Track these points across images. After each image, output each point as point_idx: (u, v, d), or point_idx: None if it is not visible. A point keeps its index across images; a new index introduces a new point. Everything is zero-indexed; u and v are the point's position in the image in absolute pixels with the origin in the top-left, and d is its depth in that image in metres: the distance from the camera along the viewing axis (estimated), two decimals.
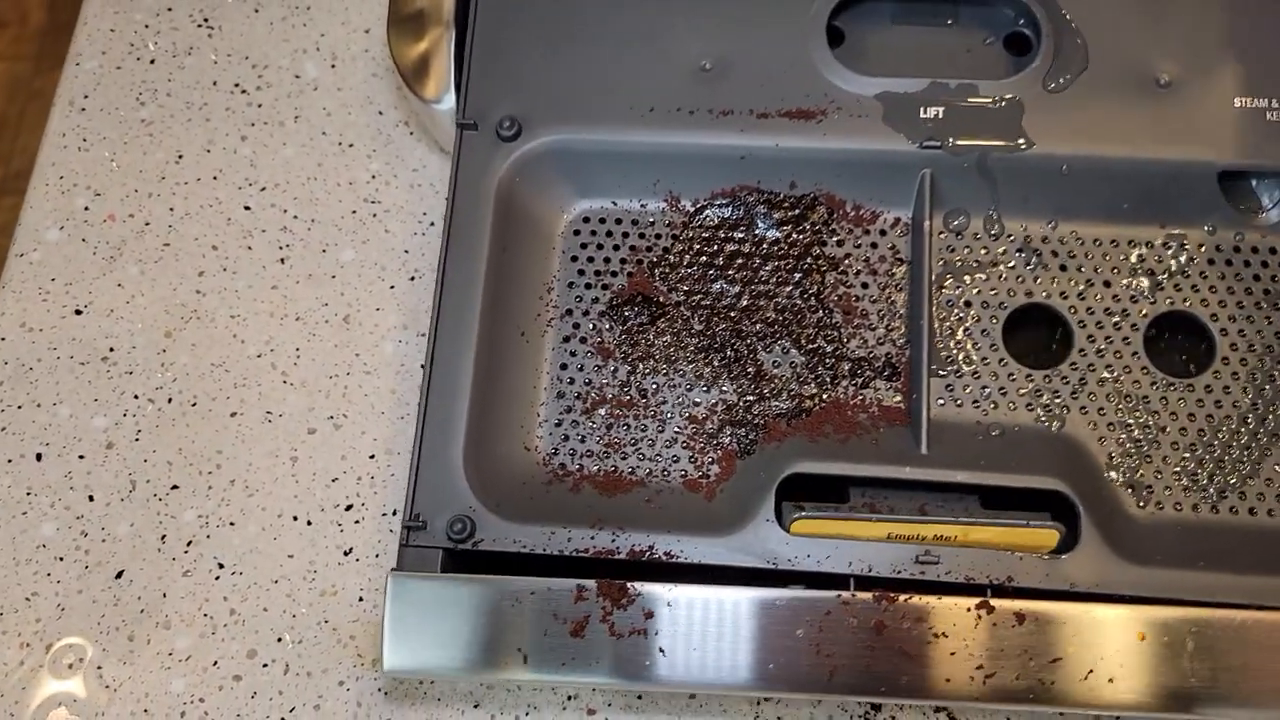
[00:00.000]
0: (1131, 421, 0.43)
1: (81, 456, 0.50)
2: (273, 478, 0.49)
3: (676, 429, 0.44)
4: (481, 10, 0.49)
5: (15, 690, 0.46)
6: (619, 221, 0.47)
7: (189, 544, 0.48)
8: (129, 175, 0.56)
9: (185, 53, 0.59)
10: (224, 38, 0.60)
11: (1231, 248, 0.45)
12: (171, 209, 0.55)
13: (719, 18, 0.48)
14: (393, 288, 0.53)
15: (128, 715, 0.45)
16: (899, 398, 0.44)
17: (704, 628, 0.39)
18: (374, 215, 0.55)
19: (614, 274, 0.46)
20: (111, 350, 0.52)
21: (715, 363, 0.45)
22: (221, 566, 0.48)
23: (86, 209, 0.56)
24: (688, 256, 0.46)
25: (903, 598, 0.39)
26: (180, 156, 0.57)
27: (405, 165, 0.56)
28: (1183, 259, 0.45)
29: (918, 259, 0.45)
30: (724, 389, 0.44)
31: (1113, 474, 0.42)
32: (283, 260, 0.54)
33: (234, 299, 0.53)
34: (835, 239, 0.46)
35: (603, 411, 0.44)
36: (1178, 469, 0.42)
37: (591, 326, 0.46)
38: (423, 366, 0.44)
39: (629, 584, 0.40)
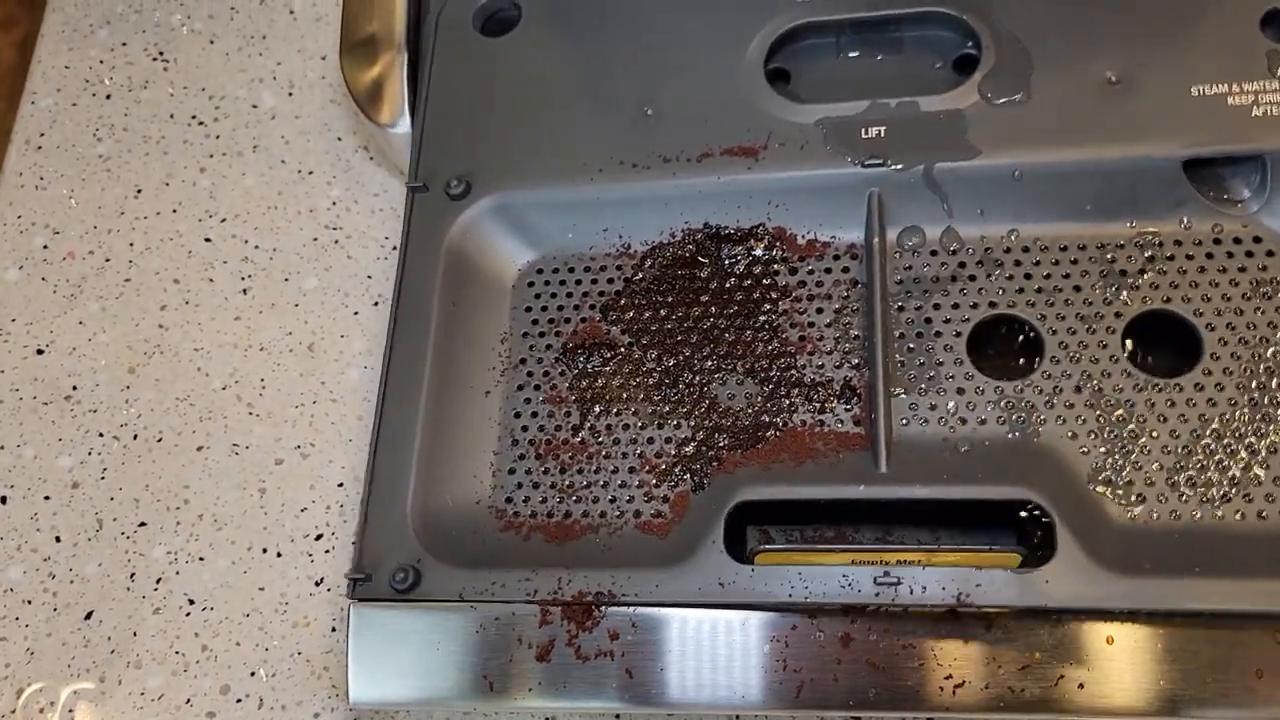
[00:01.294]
0: (1113, 426, 0.41)
1: (47, 497, 0.50)
2: (241, 510, 0.49)
3: (630, 469, 0.43)
4: (436, 78, 0.50)
5: None
6: (571, 269, 0.47)
7: (159, 581, 0.48)
8: (88, 212, 0.56)
9: (141, 86, 0.59)
10: (180, 70, 0.59)
11: (1211, 240, 0.43)
12: (131, 244, 0.55)
13: (659, 64, 0.48)
14: (356, 314, 0.53)
15: None
16: (858, 422, 0.43)
17: (671, 647, 0.39)
18: (336, 242, 0.55)
19: (567, 320, 0.46)
20: (75, 389, 0.52)
21: (670, 399, 0.44)
22: (192, 602, 0.47)
23: (45, 247, 0.55)
24: (638, 298, 0.46)
25: (869, 609, 0.39)
26: (139, 191, 0.56)
27: (366, 190, 0.56)
28: (1157, 256, 0.43)
29: (870, 280, 0.44)
30: (678, 425, 0.44)
31: (1094, 483, 0.41)
32: (245, 290, 0.54)
33: (197, 332, 0.53)
34: (788, 267, 0.45)
35: (555, 457, 0.44)
36: (1166, 472, 0.41)
37: (544, 374, 0.45)
38: (372, 421, 0.44)
39: (594, 606, 0.40)
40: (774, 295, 0.45)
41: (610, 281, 0.46)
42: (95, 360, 0.53)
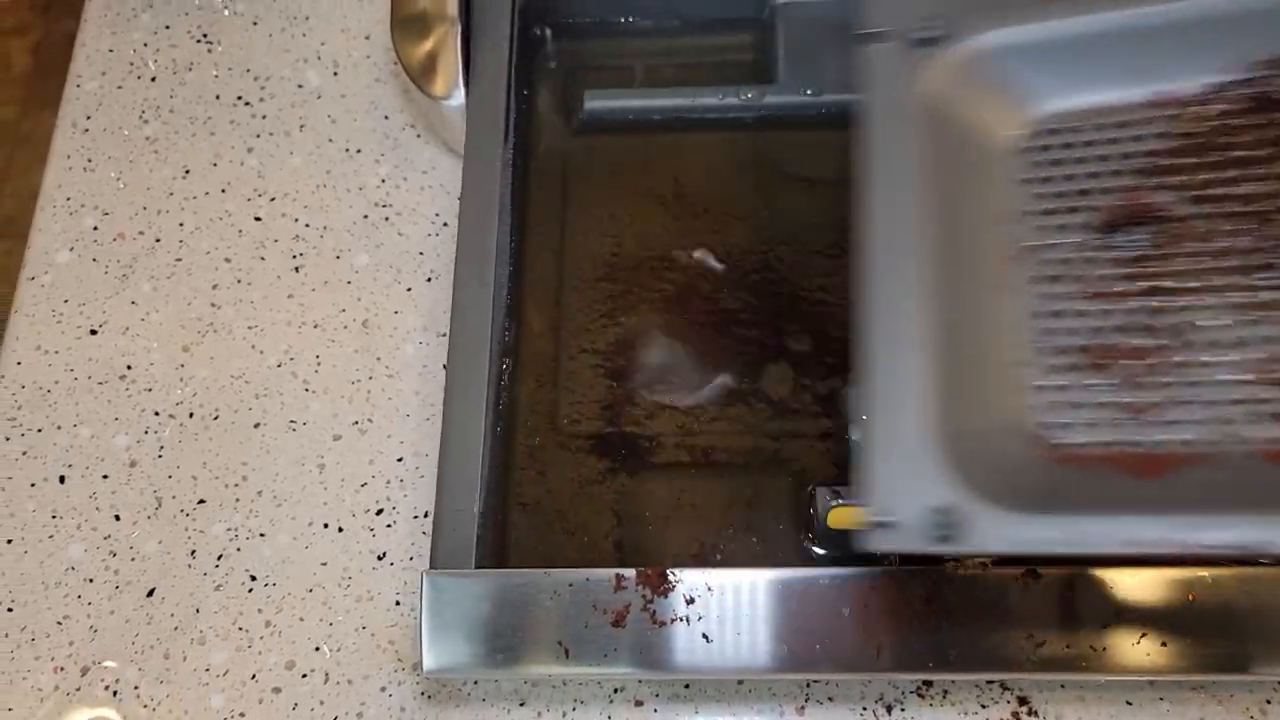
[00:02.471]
0: None
1: (105, 476, 0.50)
2: (300, 486, 0.49)
3: (1231, 380, 0.32)
4: None
5: (51, 716, 0.45)
6: (1095, 125, 0.36)
7: (219, 558, 0.48)
8: (136, 193, 0.56)
9: (186, 69, 0.59)
10: (224, 52, 0.59)
11: None
12: (181, 224, 0.55)
13: None
14: (409, 290, 0.53)
15: None
16: None
17: (748, 611, 0.39)
18: (386, 219, 0.55)
19: (1096, 191, 0.35)
20: (129, 368, 0.52)
21: (1269, 283, 0.33)
22: (254, 579, 0.47)
23: (95, 229, 0.55)
24: (1197, 155, 0.35)
25: (948, 568, 0.39)
26: (187, 172, 0.56)
27: (415, 168, 0.56)
28: None
29: None
30: None
31: None
32: (297, 269, 0.54)
33: (250, 310, 0.53)
34: None
35: (1113, 367, 0.34)
36: None
37: (1072, 261, 0.35)
38: (444, 377, 0.44)
39: (669, 570, 0.39)
40: None
41: (1154, 138, 0.35)
42: (149, 340, 0.52)
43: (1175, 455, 0.32)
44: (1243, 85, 0.35)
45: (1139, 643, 0.38)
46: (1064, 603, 0.38)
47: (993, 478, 0.33)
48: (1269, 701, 0.43)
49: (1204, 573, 0.38)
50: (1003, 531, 0.31)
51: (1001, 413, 0.34)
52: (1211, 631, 0.38)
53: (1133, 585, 0.38)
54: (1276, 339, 0.31)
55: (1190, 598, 0.38)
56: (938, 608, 0.38)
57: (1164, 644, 0.38)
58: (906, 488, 0.32)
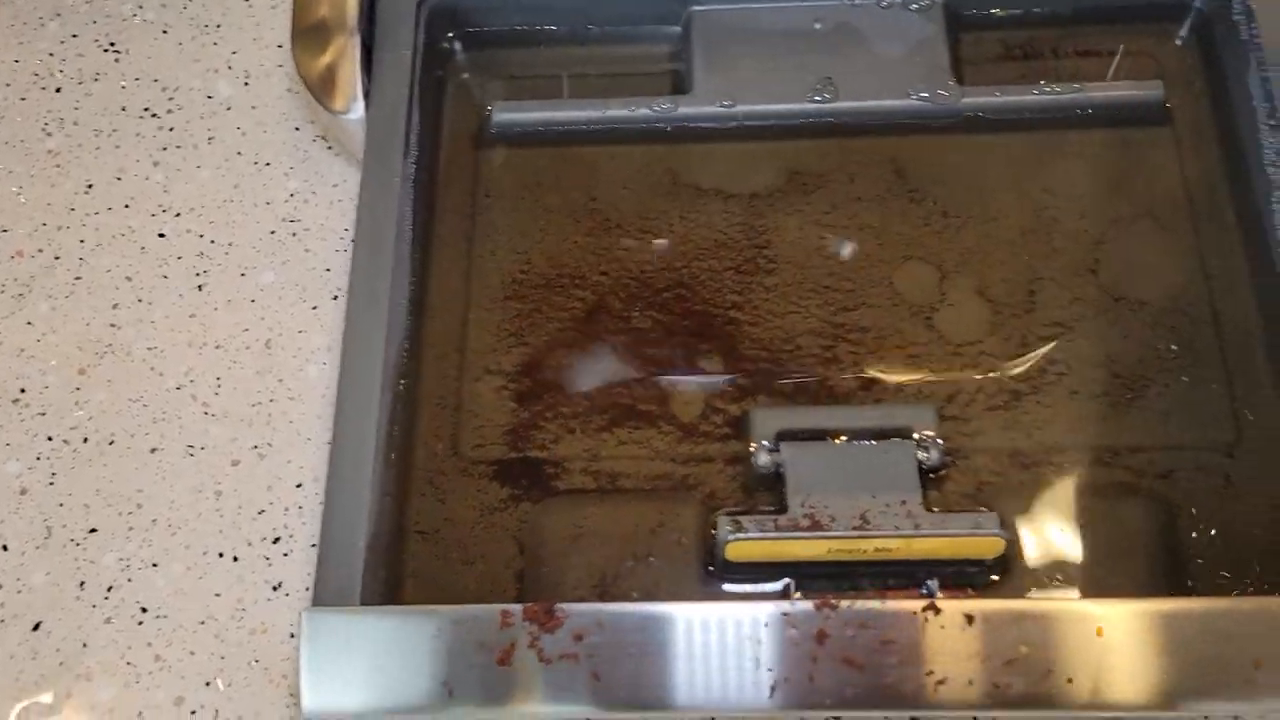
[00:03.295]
0: None
1: None
2: (196, 514, 0.47)
3: None
4: None
5: None
6: None
7: (109, 589, 0.46)
8: (36, 209, 0.54)
9: (92, 79, 0.57)
10: (132, 61, 0.58)
11: None
12: (82, 241, 0.53)
13: None
14: (315, 309, 0.51)
15: None
16: None
17: (640, 648, 0.37)
18: (294, 234, 0.53)
19: None
20: (23, 391, 0.50)
21: None
22: (145, 611, 0.46)
23: None
24: None
25: (845, 603, 0.37)
26: (90, 186, 0.55)
27: (325, 181, 0.54)
28: None
29: None
30: None
31: None
32: (200, 287, 0.52)
33: (150, 330, 0.51)
34: None
35: None
36: None
37: None
38: None
39: (557, 605, 0.38)
40: None
41: None
42: (44, 361, 0.51)
43: None
44: None
45: (1044, 679, 0.37)
46: (965, 639, 0.37)
47: None
48: None
49: (1113, 607, 0.37)
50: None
51: None
52: (1124, 667, 0.36)
53: (1037, 620, 0.37)
54: None
55: (1099, 633, 0.37)
56: (835, 643, 0.37)
57: (1070, 680, 0.36)
58: None
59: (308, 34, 0.50)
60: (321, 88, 0.49)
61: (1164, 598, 0.39)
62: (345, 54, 0.49)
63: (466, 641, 0.38)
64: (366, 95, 0.48)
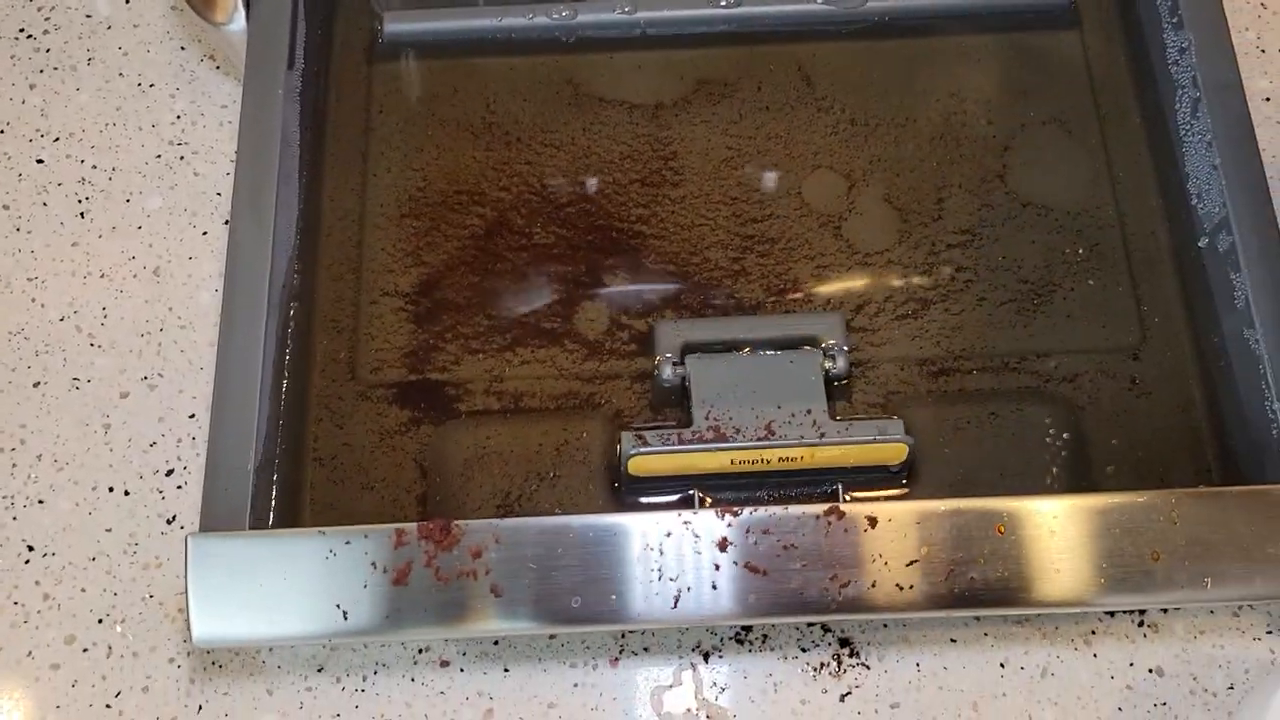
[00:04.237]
0: None
1: None
2: (84, 448, 0.45)
3: None
4: None
5: None
6: None
7: None
8: None
9: None
10: None
11: None
12: None
13: None
14: (205, 234, 0.49)
15: None
16: None
17: (539, 562, 0.36)
18: (181, 158, 0.51)
19: None
20: None
21: None
22: (31, 549, 0.44)
23: None
24: None
25: (747, 510, 0.36)
26: None
27: (212, 102, 0.52)
28: None
29: None
30: None
31: None
32: (83, 214, 0.50)
33: (30, 260, 0.49)
34: None
35: None
36: None
37: None
38: None
39: (453, 522, 0.37)
40: None
41: None
42: None
43: None
44: None
45: (947, 578, 0.36)
46: (868, 541, 0.36)
47: None
48: (1093, 632, 0.42)
49: (1013, 504, 0.37)
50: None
51: None
52: (1026, 565, 0.36)
53: (938, 520, 0.36)
54: None
55: (999, 530, 0.36)
56: (739, 550, 0.36)
57: (972, 578, 0.36)
58: None
59: None
60: (202, 0, 0.46)
61: (1061, 495, 0.39)
62: None
63: (360, 563, 0.36)
64: (248, 6, 0.46)
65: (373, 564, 0.37)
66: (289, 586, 0.37)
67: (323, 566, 0.37)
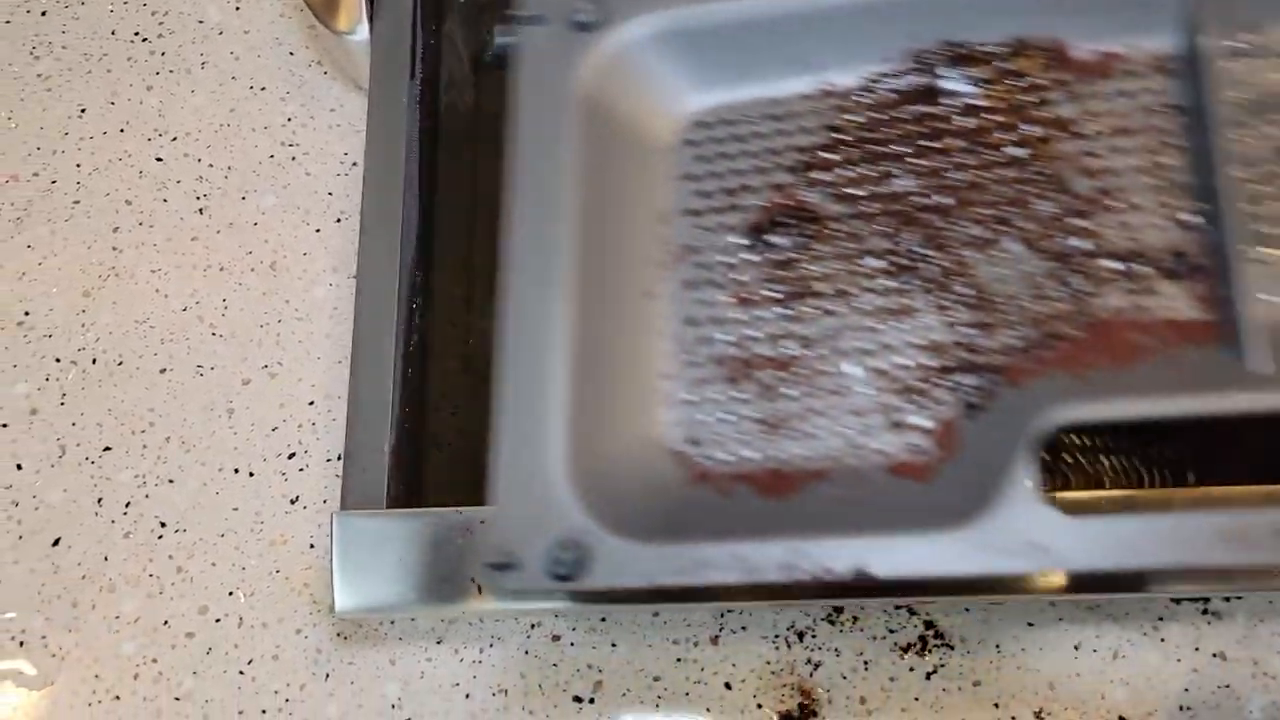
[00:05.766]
0: None
1: (5, 425, 0.48)
2: (210, 431, 0.48)
3: (865, 390, 0.31)
4: None
5: None
6: (750, 119, 0.34)
7: (127, 505, 0.47)
8: (29, 133, 0.54)
9: (79, 2, 0.57)
10: None
11: None
12: (79, 165, 0.53)
13: None
14: (318, 231, 0.52)
15: (78, 682, 0.44)
16: (1200, 302, 0.31)
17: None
18: (293, 158, 0.53)
19: (750, 189, 0.34)
20: (27, 314, 0.50)
21: (911, 288, 0.32)
22: (164, 525, 0.47)
23: None
24: (851, 151, 0.33)
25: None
26: (83, 110, 0.54)
27: (321, 106, 0.54)
28: None
29: (1199, 101, 0.30)
30: (928, 323, 0.31)
31: None
32: (201, 210, 0.52)
33: (153, 254, 0.51)
34: (1066, 93, 0.32)
35: (755, 379, 0.32)
36: None
37: (725, 263, 0.33)
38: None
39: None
40: (1052, 134, 0.32)
41: (808, 132, 0.33)
42: (47, 285, 0.51)
43: (805, 471, 0.30)
44: (899, 76, 0.33)
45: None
46: None
47: (625, 504, 0.31)
48: (1161, 618, 0.45)
49: (1099, 495, 0.39)
50: (625, 565, 0.29)
51: (641, 430, 0.32)
52: None
53: None
54: (905, 345, 0.30)
55: None
56: None
57: None
58: (528, 518, 0.31)
59: None
60: (325, 9, 0.49)
61: (1137, 489, 0.41)
62: None
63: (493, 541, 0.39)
64: (370, 17, 0.49)
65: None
66: (425, 561, 0.40)
67: (459, 544, 0.39)
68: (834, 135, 0.33)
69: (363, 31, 0.49)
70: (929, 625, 0.45)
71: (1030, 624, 0.45)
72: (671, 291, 0.33)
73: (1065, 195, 0.31)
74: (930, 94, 0.33)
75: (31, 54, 0.56)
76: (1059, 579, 0.38)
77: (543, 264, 0.32)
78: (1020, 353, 0.30)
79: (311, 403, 0.49)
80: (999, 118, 0.32)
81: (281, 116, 0.54)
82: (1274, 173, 0.30)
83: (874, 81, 0.33)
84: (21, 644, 0.45)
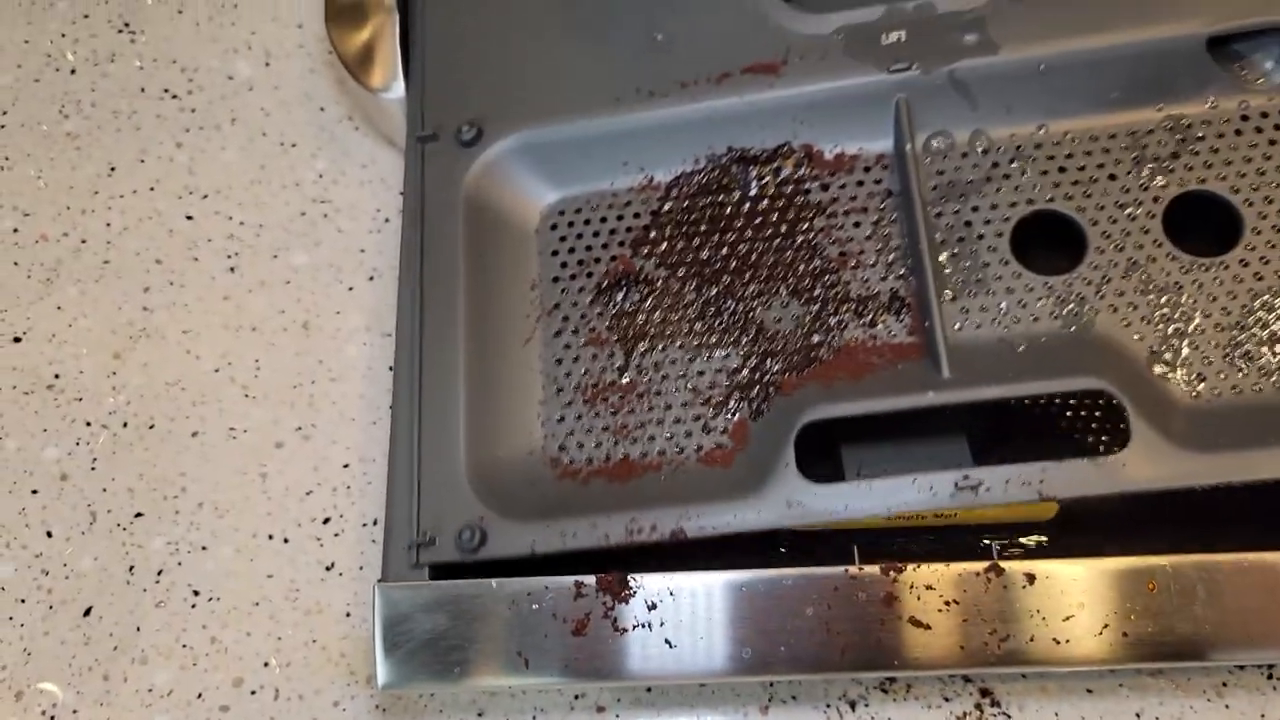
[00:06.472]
0: (1166, 309, 0.41)
1: (35, 491, 0.47)
2: (243, 496, 0.47)
3: (684, 403, 0.42)
4: (427, 23, 0.48)
5: None
6: (594, 207, 0.45)
7: (159, 573, 0.46)
8: (58, 192, 0.53)
9: (108, 60, 0.56)
10: (148, 42, 0.57)
11: (1239, 117, 0.42)
12: (108, 224, 0.53)
13: None
14: (351, 289, 0.51)
15: None
16: (910, 332, 0.42)
17: (709, 615, 0.38)
18: (325, 215, 0.53)
19: (596, 259, 0.44)
20: (57, 377, 0.49)
21: (714, 328, 0.43)
22: (197, 594, 0.46)
23: (16, 230, 0.53)
24: (668, 229, 0.44)
25: (910, 567, 0.38)
26: (113, 169, 0.54)
27: (353, 161, 0.54)
28: (1188, 138, 0.43)
29: (905, 187, 0.43)
30: (726, 355, 0.42)
31: (1157, 366, 0.40)
32: (232, 269, 0.52)
33: (184, 313, 0.51)
34: (819, 184, 0.44)
35: (604, 400, 0.42)
36: (1221, 349, 0.40)
37: (581, 316, 0.44)
38: (390, 379, 0.42)
39: (630, 576, 0.39)
40: (808, 213, 0.44)
41: (636, 216, 0.45)
42: (77, 346, 0.50)
43: (641, 465, 0.41)
44: (701, 173, 0.44)
45: (1101, 634, 0.38)
46: (1025, 597, 0.38)
47: (512, 496, 0.41)
48: (1224, 684, 0.43)
49: (1164, 561, 0.38)
50: (513, 539, 0.39)
51: (521, 440, 0.42)
52: (1171, 619, 0.38)
53: (1094, 577, 0.38)
54: (711, 370, 0.42)
55: (1151, 587, 0.38)
56: (902, 606, 0.38)
57: (1125, 634, 0.38)
58: (443, 511, 0.40)
59: (343, 13, 0.49)
60: (360, 66, 0.49)
61: (1205, 554, 0.40)
62: (384, 32, 0.48)
63: (541, 613, 0.38)
64: (405, 73, 0.48)
65: (553, 614, 0.38)
66: (473, 635, 0.38)
67: (505, 616, 0.38)
68: (655, 217, 0.44)
69: (397, 89, 0.48)
70: (985, 693, 0.43)
71: (1089, 690, 0.43)
72: (542, 337, 0.44)
73: (818, 258, 0.43)
74: (724, 186, 0.44)
75: (60, 112, 0.55)
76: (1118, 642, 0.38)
77: (446, 319, 0.43)
78: (789, 372, 0.42)
79: (346, 465, 0.48)
80: (771, 202, 0.44)
81: (313, 173, 0.54)
82: (960, 237, 0.42)
83: (683, 177, 0.45)
84: (52, 718, 0.43)
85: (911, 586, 0.38)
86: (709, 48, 0.45)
